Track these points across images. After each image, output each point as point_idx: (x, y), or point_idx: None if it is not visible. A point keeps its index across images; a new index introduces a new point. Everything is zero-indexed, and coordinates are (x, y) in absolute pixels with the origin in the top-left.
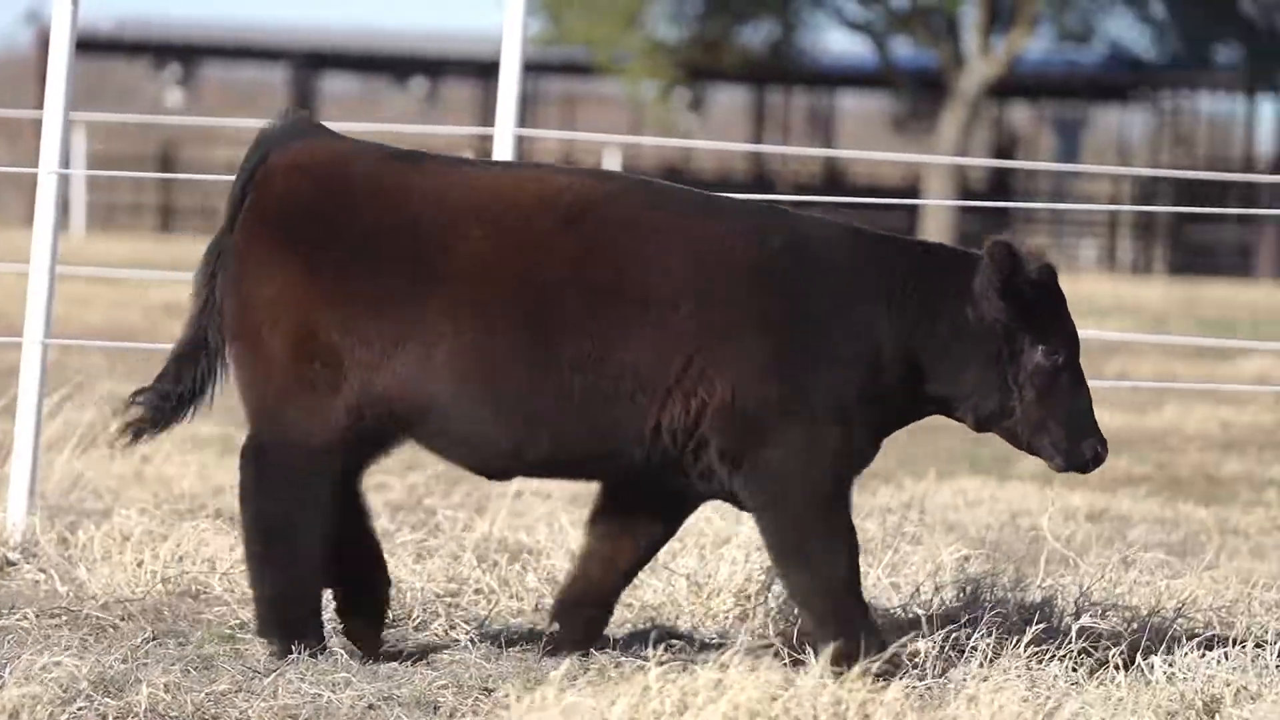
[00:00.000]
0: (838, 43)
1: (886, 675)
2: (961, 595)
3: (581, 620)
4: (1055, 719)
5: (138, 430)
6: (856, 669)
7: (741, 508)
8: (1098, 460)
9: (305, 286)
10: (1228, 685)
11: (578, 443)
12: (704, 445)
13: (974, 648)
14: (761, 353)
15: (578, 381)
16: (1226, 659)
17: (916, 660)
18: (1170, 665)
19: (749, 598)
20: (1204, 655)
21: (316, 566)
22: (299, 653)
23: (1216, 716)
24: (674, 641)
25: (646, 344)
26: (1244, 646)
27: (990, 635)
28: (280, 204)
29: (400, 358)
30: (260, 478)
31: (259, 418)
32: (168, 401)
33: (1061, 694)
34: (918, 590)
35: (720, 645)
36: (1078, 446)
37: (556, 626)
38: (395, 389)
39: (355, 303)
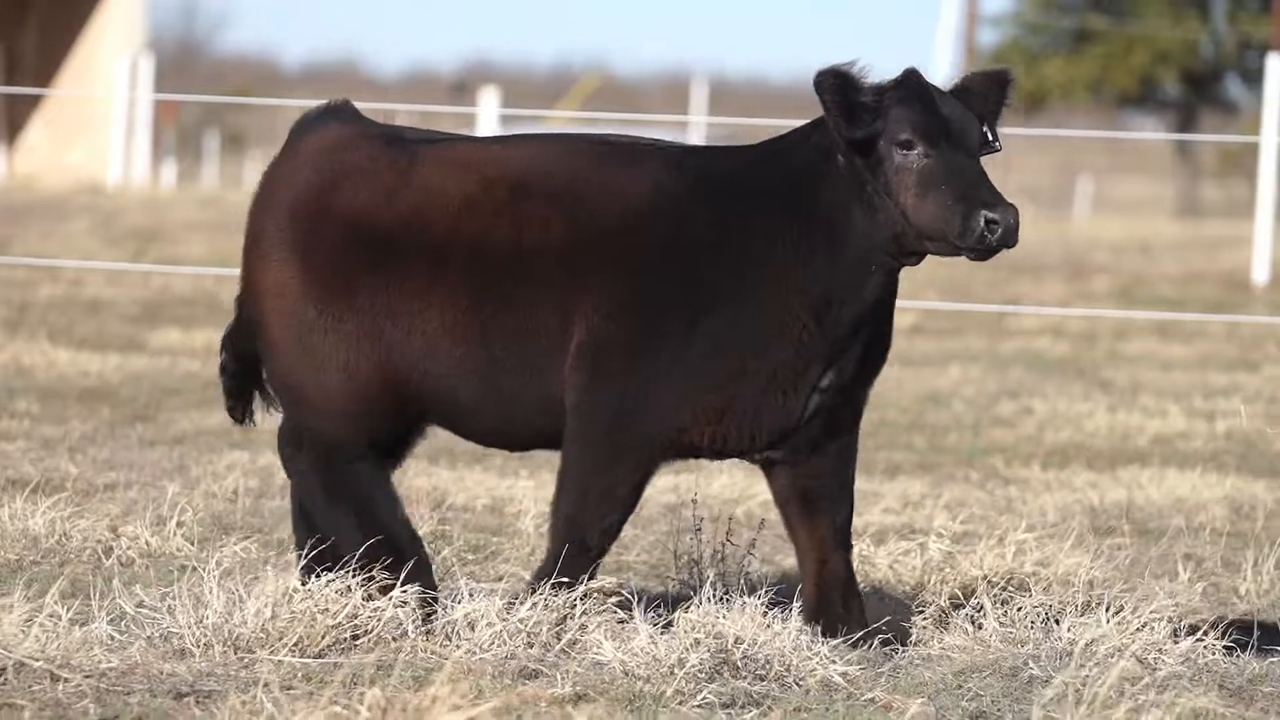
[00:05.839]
0: None
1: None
2: None
3: (837, 603)
4: None
5: (235, 410)
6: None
7: None
8: (992, 227)
9: (298, 272)
10: None
11: (538, 414)
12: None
13: None
14: (615, 295)
15: (517, 351)
16: None
17: None
18: None
19: None
20: None
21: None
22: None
23: None
24: None
25: (556, 305)
26: None
27: None
28: (282, 191)
29: (384, 339)
30: (311, 466)
31: (286, 408)
32: (231, 379)
33: None
34: None
35: None
36: (969, 223)
37: (819, 624)
38: (389, 370)
39: (340, 287)
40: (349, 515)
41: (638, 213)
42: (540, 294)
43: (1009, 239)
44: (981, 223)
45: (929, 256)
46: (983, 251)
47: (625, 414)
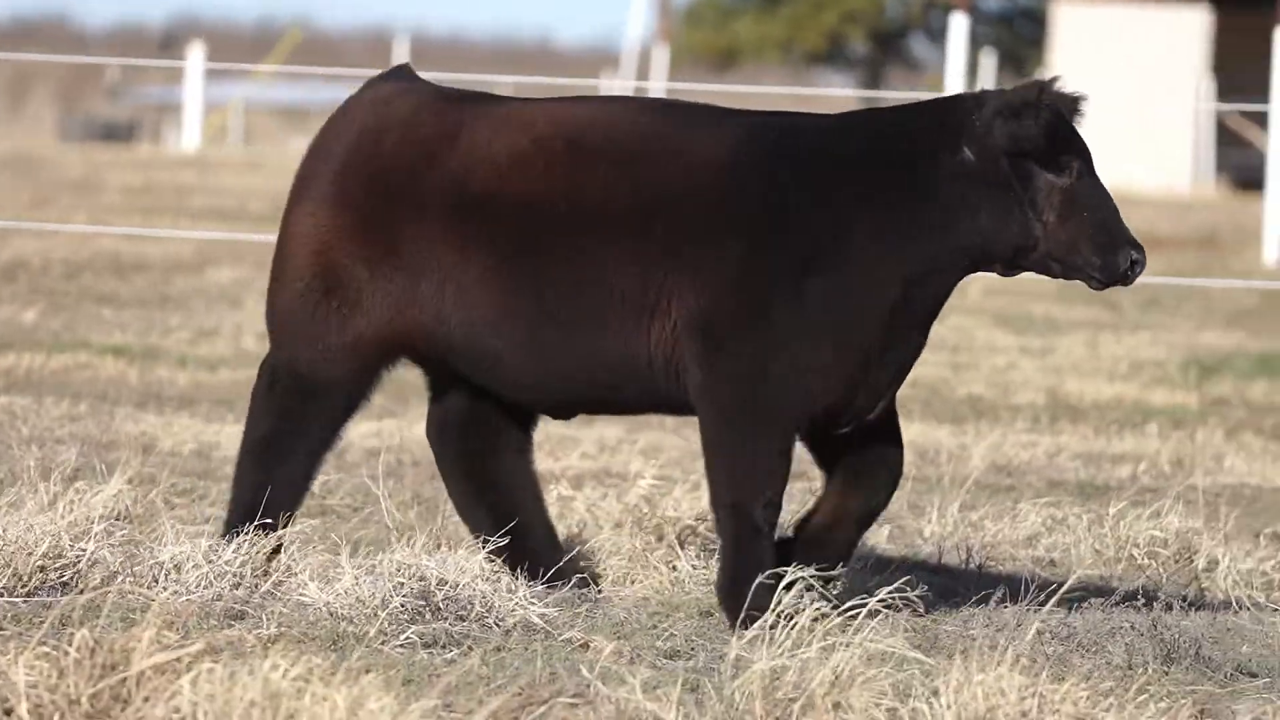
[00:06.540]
0: None
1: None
2: None
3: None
4: None
5: None
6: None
7: None
8: (1135, 268)
9: (331, 219)
10: None
11: (585, 372)
12: (684, 364)
13: None
14: (724, 262)
15: (572, 309)
16: None
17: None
18: None
19: None
20: None
21: (298, 489)
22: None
23: None
24: None
25: (628, 263)
26: None
27: None
28: (329, 143)
29: (420, 293)
30: (268, 394)
31: (274, 339)
32: None
33: None
34: None
35: None
36: (1113, 258)
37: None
38: (421, 325)
39: (376, 237)
40: (254, 465)
41: (739, 181)
42: (608, 252)
43: (1137, 278)
44: (1128, 262)
45: None
46: (1112, 285)
47: (754, 389)
